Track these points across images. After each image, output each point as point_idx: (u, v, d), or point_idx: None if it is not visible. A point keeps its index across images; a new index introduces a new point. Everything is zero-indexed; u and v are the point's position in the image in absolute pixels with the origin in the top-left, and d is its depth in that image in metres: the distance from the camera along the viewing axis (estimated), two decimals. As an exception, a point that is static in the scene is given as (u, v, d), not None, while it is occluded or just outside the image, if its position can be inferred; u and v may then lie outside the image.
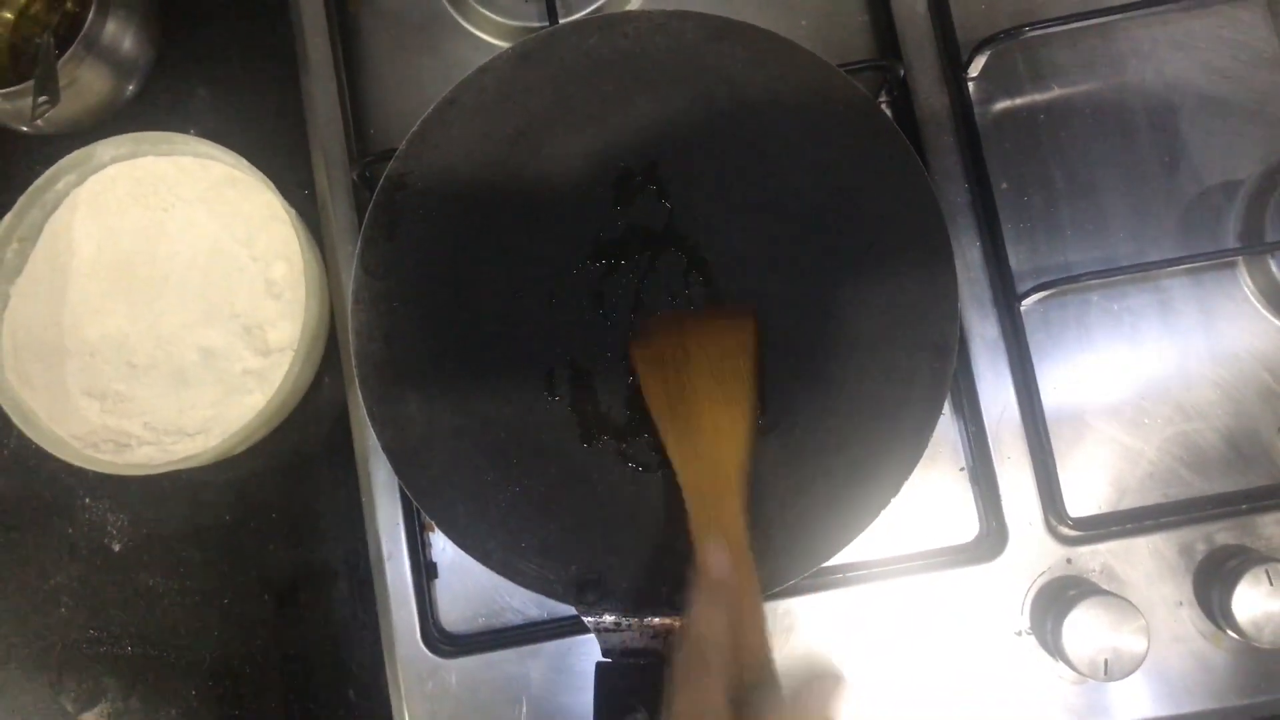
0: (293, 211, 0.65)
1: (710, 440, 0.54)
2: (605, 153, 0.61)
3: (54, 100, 0.60)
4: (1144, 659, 0.56)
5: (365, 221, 0.58)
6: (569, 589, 0.57)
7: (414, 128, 0.59)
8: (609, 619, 0.56)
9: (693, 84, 0.60)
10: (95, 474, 0.64)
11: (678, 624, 0.56)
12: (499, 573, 0.56)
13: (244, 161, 0.65)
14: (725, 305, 0.60)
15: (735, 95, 0.60)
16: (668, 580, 0.56)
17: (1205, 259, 0.62)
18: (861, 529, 0.56)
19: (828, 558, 0.56)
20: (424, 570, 0.64)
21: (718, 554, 0.50)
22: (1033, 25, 0.63)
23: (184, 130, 0.71)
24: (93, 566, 0.69)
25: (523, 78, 0.60)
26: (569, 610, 0.63)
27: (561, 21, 0.66)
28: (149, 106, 0.72)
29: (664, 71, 0.60)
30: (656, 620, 0.56)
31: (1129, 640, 0.57)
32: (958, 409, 0.64)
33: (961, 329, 0.60)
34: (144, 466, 0.64)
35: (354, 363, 0.58)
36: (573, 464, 0.60)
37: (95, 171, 0.68)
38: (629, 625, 0.56)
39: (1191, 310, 0.64)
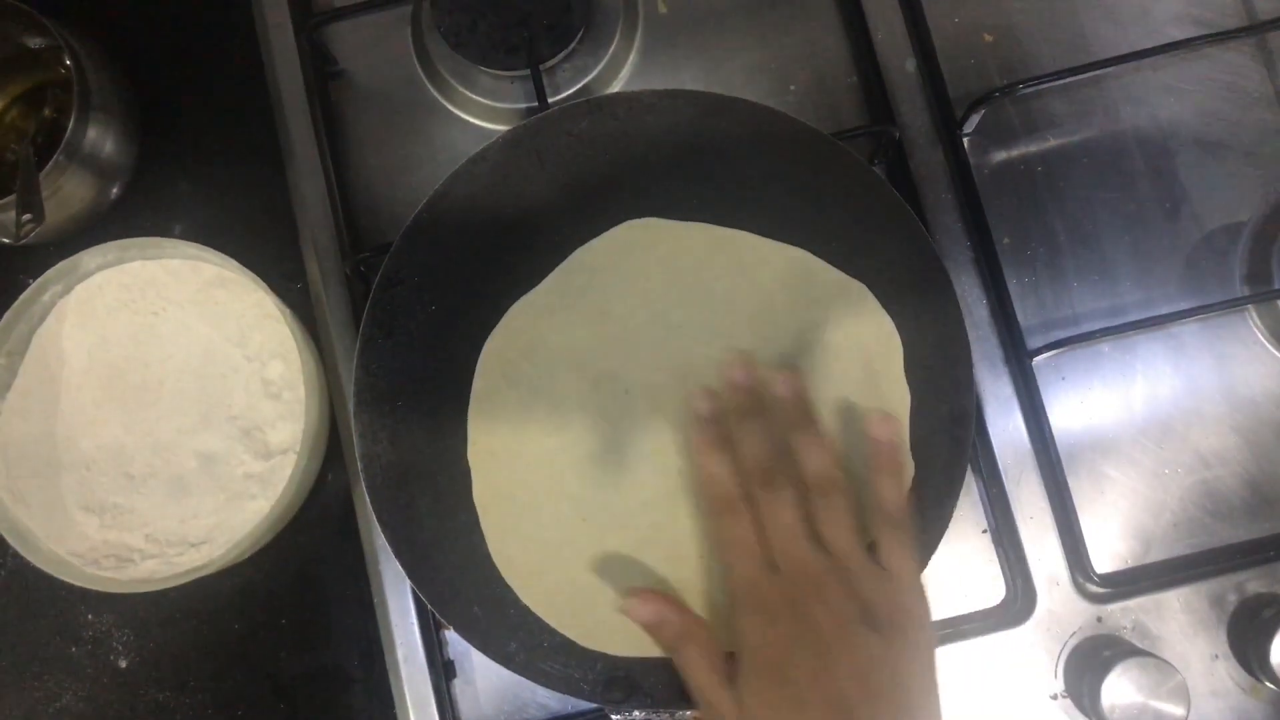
0: (287, 310, 0.64)
1: None
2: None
3: (39, 218, 0.59)
4: (1186, 720, 0.55)
5: (363, 321, 0.57)
6: (595, 688, 0.55)
7: (407, 222, 0.57)
8: (639, 715, 0.55)
9: (688, 163, 0.59)
10: (98, 590, 0.62)
11: (707, 716, 0.55)
12: (522, 675, 0.55)
13: (233, 262, 0.63)
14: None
15: (731, 173, 0.59)
16: (697, 672, 0.55)
17: (1215, 309, 0.62)
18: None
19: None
20: (442, 670, 0.62)
21: None
22: (1025, 82, 0.63)
23: (169, 229, 0.70)
24: (99, 685, 0.67)
25: (514, 165, 0.59)
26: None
27: (550, 101, 0.65)
28: (132, 208, 0.71)
29: (658, 152, 0.59)
30: (688, 714, 0.55)
31: (1169, 702, 0.56)
32: (976, 470, 0.63)
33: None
34: (148, 582, 0.62)
35: (359, 465, 0.56)
36: (590, 556, 0.58)
37: (82, 280, 0.66)
38: (660, 720, 0.55)
39: (1204, 357, 0.64)
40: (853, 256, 0.59)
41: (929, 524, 0.55)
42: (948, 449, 0.56)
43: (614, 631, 0.56)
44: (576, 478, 0.58)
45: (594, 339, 0.58)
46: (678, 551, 0.56)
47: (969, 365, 0.56)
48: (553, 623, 0.56)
